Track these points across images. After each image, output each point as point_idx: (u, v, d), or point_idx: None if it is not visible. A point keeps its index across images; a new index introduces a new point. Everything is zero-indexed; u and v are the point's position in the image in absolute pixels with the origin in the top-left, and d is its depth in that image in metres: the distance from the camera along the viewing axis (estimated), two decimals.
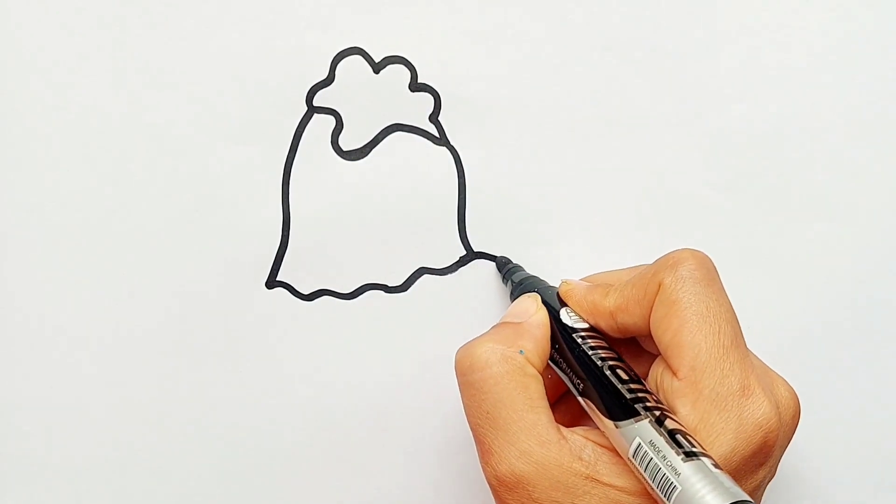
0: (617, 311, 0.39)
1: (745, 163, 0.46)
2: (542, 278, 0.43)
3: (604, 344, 0.39)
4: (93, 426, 0.45)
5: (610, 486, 0.36)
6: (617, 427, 0.36)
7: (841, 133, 0.46)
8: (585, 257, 0.45)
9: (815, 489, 0.47)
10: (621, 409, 0.36)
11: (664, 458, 0.35)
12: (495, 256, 0.45)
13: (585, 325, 0.40)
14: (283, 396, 0.45)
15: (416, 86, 0.44)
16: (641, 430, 0.36)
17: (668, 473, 0.34)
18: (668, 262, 0.38)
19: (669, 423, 0.35)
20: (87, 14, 0.43)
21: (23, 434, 0.44)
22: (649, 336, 0.39)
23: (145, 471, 0.45)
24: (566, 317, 0.40)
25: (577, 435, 0.37)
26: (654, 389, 0.38)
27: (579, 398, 0.39)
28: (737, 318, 0.38)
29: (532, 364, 0.38)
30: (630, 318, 0.39)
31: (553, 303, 0.41)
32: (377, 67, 0.44)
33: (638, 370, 0.39)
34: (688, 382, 0.37)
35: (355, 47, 0.44)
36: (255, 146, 0.44)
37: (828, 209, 0.46)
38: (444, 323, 0.45)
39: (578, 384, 0.39)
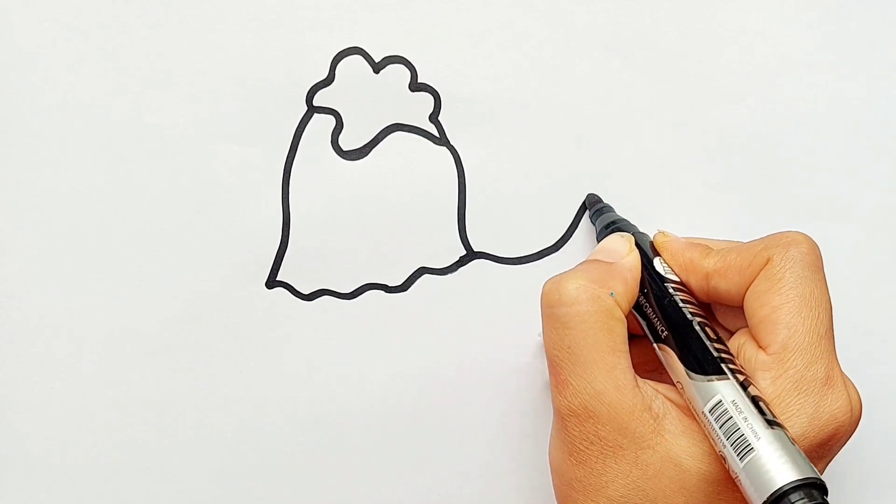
0: (714, 273, 0.39)
1: (745, 163, 0.46)
2: (632, 223, 0.43)
3: (693, 300, 0.39)
4: (92, 426, 0.45)
5: (673, 443, 0.37)
6: (692, 380, 0.37)
7: (841, 133, 0.46)
8: (586, 257, 0.45)
9: None
10: (705, 365, 0.37)
11: (745, 419, 0.35)
12: (587, 194, 0.45)
13: (677, 279, 0.40)
14: (282, 396, 0.45)
15: (416, 86, 0.44)
16: (723, 389, 0.36)
17: (746, 435, 0.34)
18: (781, 240, 0.39)
19: (753, 390, 0.36)
20: (86, 14, 0.43)
21: (23, 434, 0.44)
22: (734, 308, 0.39)
23: (145, 471, 0.45)
24: (659, 266, 0.40)
25: (648, 385, 0.38)
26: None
27: (655, 345, 0.39)
28: (832, 313, 0.38)
29: (620, 307, 0.38)
30: (724, 284, 0.39)
31: (644, 249, 0.41)
32: (377, 67, 0.44)
33: None
34: (775, 358, 0.37)
35: (355, 47, 0.44)
36: (255, 146, 0.44)
37: (828, 209, 0.46)
38: (444, 323, 0.45)
39: (662, 331, 0.39)
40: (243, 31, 0.43)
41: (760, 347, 0.37)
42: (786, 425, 0.36)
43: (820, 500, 0.33)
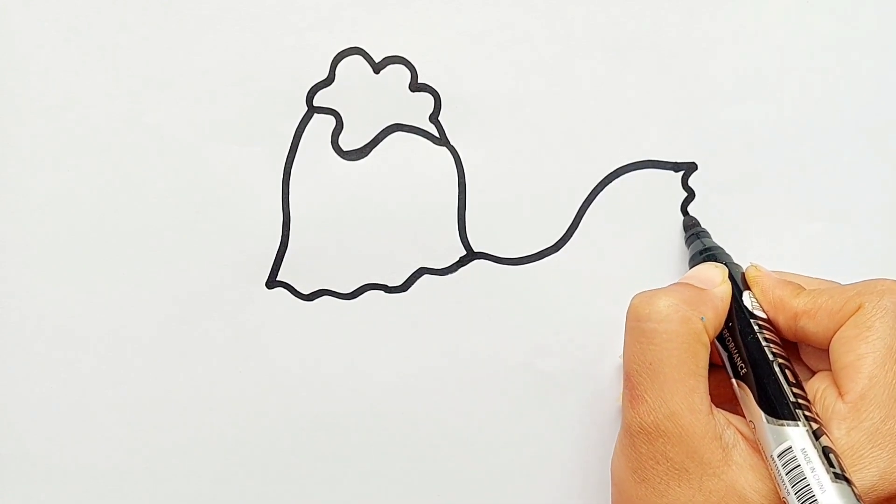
0: (804, 314, 0.39)
1: (743, 163, 0.46)
2: (727, 252, 0.43)
3: (778, 340, 0.39)
4: (92, 426, 0.45)
5: (739, 475, 0.36)
6: (765, 421, 0.36)
7: (841, 133, 0.46)
8: (586, 258, 0.45)
9: None
10: (780, 409, 0.37)
11: (813, 470, 0.35)
12: (684, 215, 0.45)
13: (764, 316, 0.40)
14: (282, 396, 0.45)
15: (416, 86, 0.44)
16: (795, 436, 0.36)
17: (812, 486, 0.35)
18: (875, 288, 0.38)
19: (824, 440, 0.36)
20: (86, 14, 0.43)
21: (23, 434, 0.44)
22: (820, 351, 0.39)
23: (145, 471, 0.45)
24: (747, 300, 0.40)
25: (721, 414, 0.38)
26: (811, 401, 0.38)
27: (733, 381, 0.39)
28: None
29: (707, 333, 0.38)
30: (813, 326, 0.39)
31: (735, 281, 0.41)
32: (377, 67, 0.44)
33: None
34: (852, 408, 0.37)
35: (355, 47, 0.44)
36: (255, 146, 0.44)
37: (828, 209, 0.46)
38: (444, 323, 0.45)
39: (741, 368, 0.38)
40: (243, 31, 0.43)
41: (840, 395, 0.37)
42: (857, 477, 0.35)
43: None
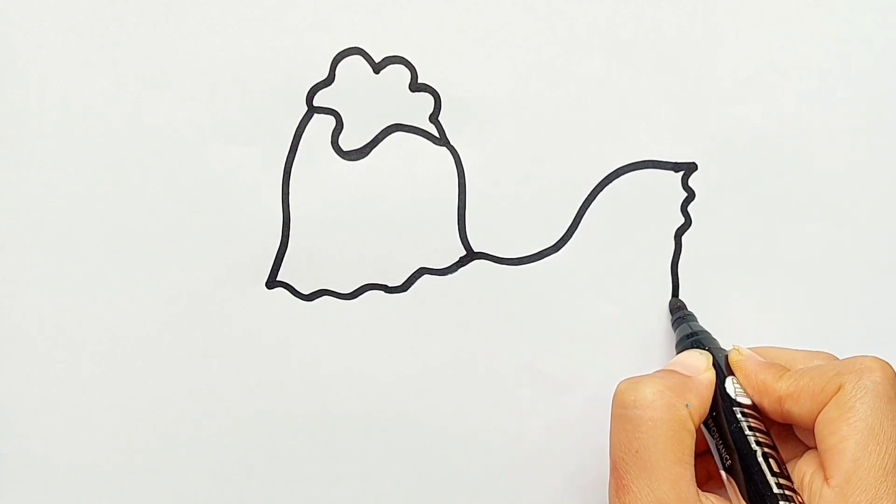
0: (787, 397, 0.39)
1: (744, 163, 0.46)
2: (713, 336, 0.43)
3: (762, 427, 0.39)
4: (92, 426, 0.45)
5: None
6: None
7: (840, 133, 0.46)
8: (585, 259, 0.45)
9: None
10: (765, 500, 0.37)
11: None
12: (670, 299, 0.45)
13: (748, 402, 0.40)
14: (282, 397, 0.45)
15: (416, 86, 0.44)
16: None
17: None
18: (853, 367, 0.38)
19: None
20: (86, 14, 0.43)
21: (23, 434, 0.44)
22: (810, 430, 0.39)
23: (144, 471, 0.45)
24: (730, 387, 0.40)
25: (710, 500, 0.38)
26: (798, 487, 0.38)
27: (721, 471, 0.39)
28: None
29: (692, 420, 0.38)
30: (798, 409, 0.39)
31: (719, 365, 0.41)
32: (377, 67, 0.44)
33: (785, 454, 0.39)
34: (838, 493, 0.36)
35: (355, 47, 0.44)
36: (255, 146, 0.44)
37: (827, 209, 0.46)
38: (444, 323, 0.45)
39: (726, 458, 0.39)
40: (243, 31, 0.43)
41: (826, 479, 0.37)
42: None
43: None
